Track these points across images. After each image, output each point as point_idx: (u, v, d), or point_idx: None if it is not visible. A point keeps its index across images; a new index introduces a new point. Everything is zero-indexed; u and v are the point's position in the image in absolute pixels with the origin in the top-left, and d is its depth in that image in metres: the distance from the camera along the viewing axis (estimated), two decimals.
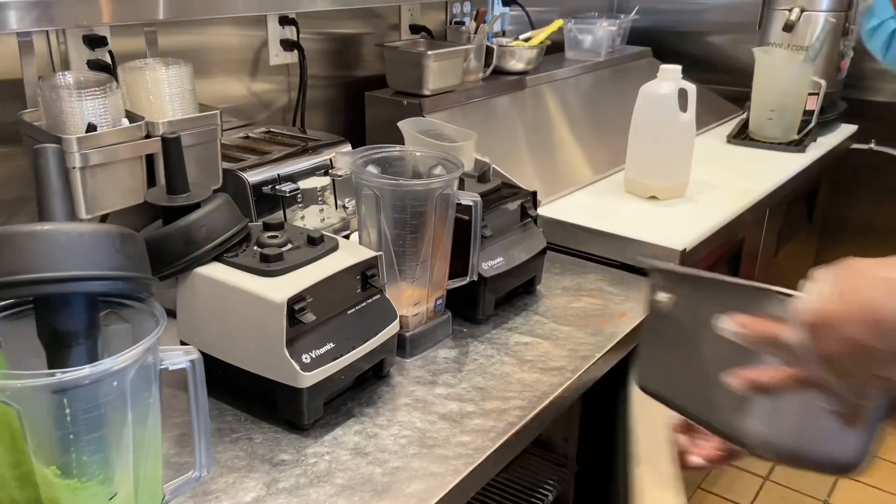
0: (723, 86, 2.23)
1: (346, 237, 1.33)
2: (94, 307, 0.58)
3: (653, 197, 1.46)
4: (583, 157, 1.66)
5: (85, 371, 0.51)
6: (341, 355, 0.86)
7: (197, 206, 0.87)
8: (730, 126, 2.01)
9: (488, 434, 0.85)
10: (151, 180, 1.03)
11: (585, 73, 2.00)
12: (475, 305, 1.09)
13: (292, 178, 1.24)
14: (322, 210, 1.30)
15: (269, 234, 0.91)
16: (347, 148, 1.35)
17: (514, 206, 1.15)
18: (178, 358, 0.61)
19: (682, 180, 1.47)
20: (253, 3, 1.28)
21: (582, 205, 1.44)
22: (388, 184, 0.93)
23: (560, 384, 0.96)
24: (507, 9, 2.02)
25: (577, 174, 1.58)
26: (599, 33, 2.07)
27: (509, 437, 0.85)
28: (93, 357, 0.58)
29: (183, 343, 0.92)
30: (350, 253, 0.91)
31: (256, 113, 1.49)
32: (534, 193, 1.18)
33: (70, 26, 1.03)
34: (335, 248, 0.91)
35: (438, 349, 1.04)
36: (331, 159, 1.31)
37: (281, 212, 1.23)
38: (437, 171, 1.05)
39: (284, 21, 1.44)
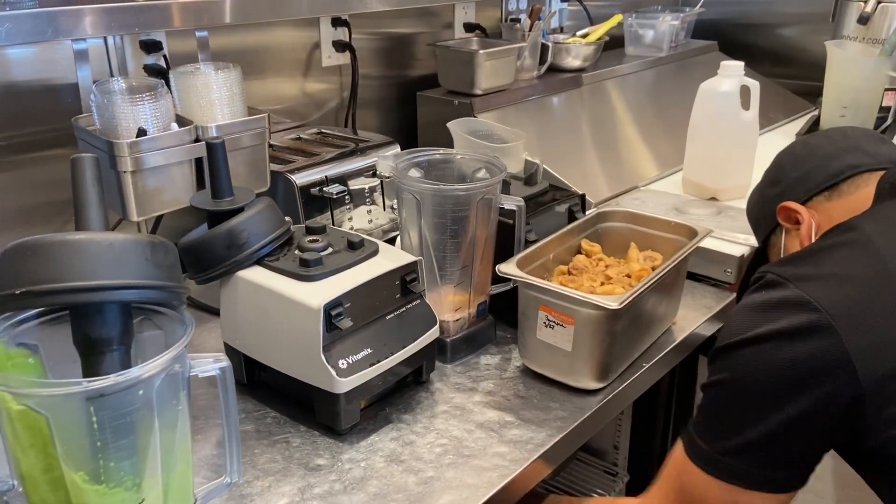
0: (793, 80, 2.13)
1: (394, 239, 1.34)
2: (127, 315, 0.59)
3: (713, 198, 1.41)
4: (642, 156, 1.61)
5: (110, 380, 0.51)
6: (378, 361, 0.85)
7: (240, 210, 0.88)
8: (800, 123, 1.92)
9: (526, 445, 0.84)
10: (201, 183, 1.05)
11: (646, 69, 1.95)
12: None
13: (341, 179, 1.25)
14: (370, 211, 1.31)
15: (311, 238, 0.91)
16: (396, 149, 1.35)
17: (561, 209, 1.12)
18: (208, 365, 0.61)
19: (744, 181, 1.41)
20: (307, 6, 1.29)
21: (640, 206, 1.40)
22: (429, 188, 0.92)
23: (606, 394, 0.93)
24: (564, 4, 1.98)
25: (635, 174, 1.53)
26: (662, 27, 2.00)
27: (548, 449, 0.83)
28: (126, 363, 0.59)
29: (227, 344, 0.93)
30: (389, 258, 0.91)
31: (309, 113, 1.50)
32: (582, 196, 1.15)
33: (127, 32, 1.06)
34: (375, 252, 0.91)
35: (480, 355, 1.02)
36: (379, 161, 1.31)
37: (329, 213, 1.24)
38: (481, 174, 1.03)
39: (337, 22, 1.45)
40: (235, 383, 0.95)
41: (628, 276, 1.00)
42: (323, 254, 0.89)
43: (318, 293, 0.82)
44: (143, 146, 0.95)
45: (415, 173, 1.00)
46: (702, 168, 1.41)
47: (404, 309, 0.91)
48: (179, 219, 1.12)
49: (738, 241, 1.20)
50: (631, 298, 0.86)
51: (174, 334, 0.61)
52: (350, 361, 0.83)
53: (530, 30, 1.65)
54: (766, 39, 2.22)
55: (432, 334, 0.92)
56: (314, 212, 1.22)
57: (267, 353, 0.89)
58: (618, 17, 1.88)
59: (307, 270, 0.85)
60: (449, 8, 1.70)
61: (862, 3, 1.73)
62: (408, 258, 0.91)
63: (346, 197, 1.25)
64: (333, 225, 1.25)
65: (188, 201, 1.04)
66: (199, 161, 1.03)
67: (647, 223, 1.09)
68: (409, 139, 1.63)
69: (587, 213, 1.13)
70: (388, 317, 0.89)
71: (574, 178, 1.41)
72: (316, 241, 0.91)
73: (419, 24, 1.66)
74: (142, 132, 0.95)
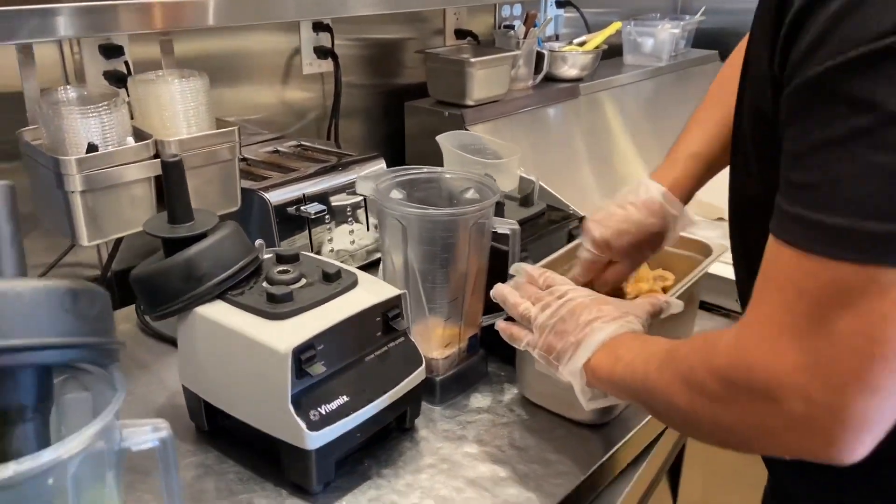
0: None
1: (379, 261, 1.24)
2: (44, 377, 0.49)
3: (720, 218, 1.32)
4: (642, 172, 1.52)
5: (9, 471, 0.41)
6: (356, 410, 0.75)
7: (200, 236, 0.78)
8: None
9: None
10: (162, 203, 0.94)
11: (645, 79, 1.86)
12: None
13: (321, 197, 1.15)
14: (352, 231, 1.20)
15: (281, 268, 0.81)
16: (381, 165, 1.25)
17: (560, 232, 1.02)
18: (146, 436, 0.51)
19: None
20: (286, 10, 1.17)
21: None
22: (416, 213, 0.82)
23: (615, 441, 0.83)
24: (560, 11, 1.89)
25: None
26: (661, 36, 1.92)
27: None
28: (42, 435, 0.49)
29: (184, 388, 0.83)
30: (370, 290, 0.80)
31: (288, 124, 1.40)
32: (582, 219, 1.05)
33: (81, 35, 0.95)
34: (353, 284, 0.81)
35: (471, 395, 0.92)
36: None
37: (306, 234, 1.14)
38: (470, 195, 0.94)
39: (318, 27, 1.35)
40: (195, 429, 0.86)
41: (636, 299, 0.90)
42: (294, 287, 0.78)
43: (287, 334, 0.72)
44: (93, 163, 0.85)
45: (397, 194, 0.90)
46: (708, 186, 1.31)
47: (386, 348, 0.81)
48: (142, 236, 1.01)
49: None
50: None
51: (104, 396, 0.51)
52: (323, 412, 0.73)
53: (525, 37, 1.56)
54: None
55: (418, 376, 0.82)
56: (290, 232, 1.12)
57: (229, 400, 0.78)
58: (616, 25, 1.79)
59: (275, 307, 0.75)
60: (439, 13, 1.60)
61: None
62: (391, 291, 0.81)
63: (327, 216, 1.15)
64: (312, 247, 1.15)
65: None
66: (159, 178, 0.93)
67: None
68: (395, 152, 1.53)
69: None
70: (367, 358, 0.79)
71: (570, 195, 1.31)
72: (286, 271, 0.80)
73: (407, 30, 1.57)
74: (92, 147, 0.85)
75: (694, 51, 2.09)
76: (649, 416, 0.87)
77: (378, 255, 1.25)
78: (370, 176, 0.88)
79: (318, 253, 1.16)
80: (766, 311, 0.51)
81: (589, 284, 0.88)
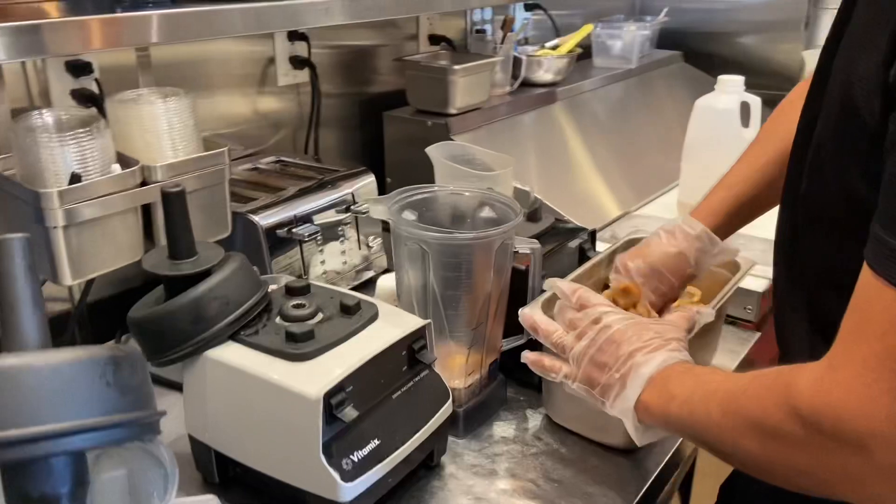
0: (761, 90, 2.06)
1: (372, 280, 1.18)
2: (80, 462, 0.42)
3: None
4: (628, 177, 1.50)
5: None
6: (389, 454, 0.70)
7: (207, 273, 0.71)
8: None
9: None
10: (149, 234, 0.87)
11: (617, 81, 1.84)
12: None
13: (311, 217, 1.08)
14: (344, 252, 1.14)
15: (295, 301, 0.75)
16: (370, 179, 1.19)
17: (571, 247, 0.99)
18: None
19: None
20: (255, 21, 1.07)
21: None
22: (440, 238, 0.77)
23: (649, 465, 0.80)
24: (529, 14, 1.86)
25: (624, 197, 1.42)
26: (628, 38, 1.91)
27: None
28: None
29: (191, 436, 0.76)
30: (393, 322, 0.75)
31: (264, 137, 1.33)
32: (592, 232, 1.02)
33: (49, 55, 0.86)
34: (375, 316, 0.75)
35: (493, 424, 0.88)
36: (353, 193, 1.15)
37: (296, 256, 1.07)
38: (485, 213, 0.89)
39: (294, 36, 1.28)
40: (202, 480, 0.79)
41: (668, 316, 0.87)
42: (313, 322, 0.72)
43: (315, 377, 0.66)
44: (77, 195, 0.77)
45: (409, 215, 0.85)
46: (700, 191, 1.29)
47: (412, 383, 0.76)
48: (120, 272, 0.93)
49: (756, 273, 1.09)
50: None
51: (144, 475, 0.44)
52: (355, 459, 0.67)
53: (503, 42, 1.52)
54: (731, 48, 2.16)
55: (446, 410, 0.77)
56: (279, 252, 1.05)
57: (246, 451, 0.72)
58: (588, 28, 1.77)
59: (296, 347, 0.69)
60: (412, 19, 1.55)
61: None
62: (415, 322, 0.76)
63: (319, 238, 1.08)
64: (305, 271, 1.08)
65: (135, 255, 0.86)
66: (146, 208, 0.85)
67: None
68: (374, 161, 1.47)
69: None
70: (394, 395, 0.74)
71: (564, 206, 1.28)
72: (301, 305, 0.74)
73: (380, 37, 1.51)
74: (75, 178, 0.77)
75: (658, 52, 2.09)
76: (681, 439, 0.84)
77: (370, 275, 1.19)
78: (381, 199, 0.83)
79: (308, 275, 1.10)
80: (861, 354, 0.47)
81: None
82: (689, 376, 0.65)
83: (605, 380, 0.69)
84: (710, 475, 1.11)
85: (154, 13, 0.79)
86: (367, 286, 1.18)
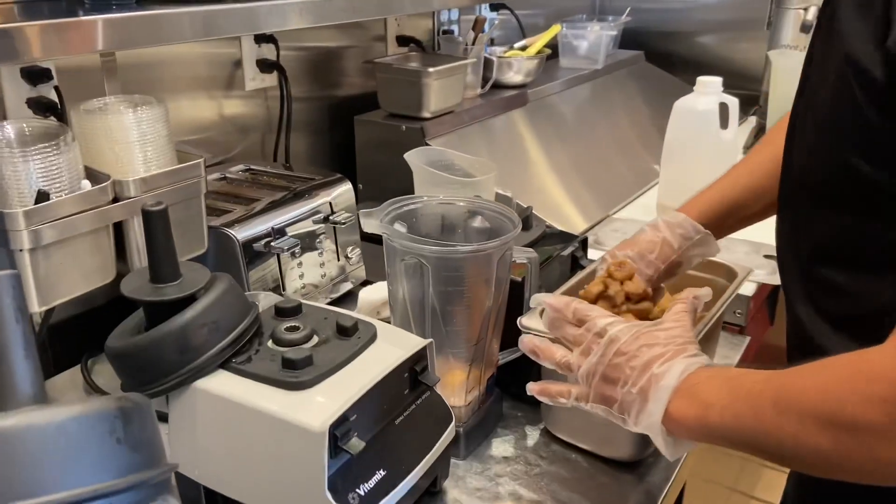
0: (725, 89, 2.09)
1: (351, 293, 1.13)
2: None
3: None
4: (605, 179, 1.49)
5: None
6: (396, 485, 0.66)
7: (192, 297, 0.66)
8: (741, 133, 1.87)
9: None
10: (122, 254, 0.81)
11: (585, 81, 1.83)
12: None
13: (284, 230, 1.03)
14: (322, 264, 1.10)
15: (287, 323, 0.70)
16: (347, 187, 1.14)
17: (564, 256, 0.96)
18: None
19: None
20: (203, 27, 0.95)
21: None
22: (441, 251, 0.74)
23: (656, 480, 0.78)
24: (494, 14, 1.84)
25: (603, 200, 1.40)
26: (594, 38, 1.90)
27: None
28: None
29: (177, 473, 0.70)
30: (394, 343, 0.71)
31: (231, 144, 1.27)
32: (584, 240, 1.00)
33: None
34: (374, 337, 0.71)
35: (492, 443, 0.85)
36: (330, 203, 1.10)
37: (274, 270, 1.02)
38: (477, 223, 0.86)
39: (262, 39, 1.22)
40: None
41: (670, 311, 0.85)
42: (309, 346, 0.68)
43: (317, 408, 0.62)
44: (44, 214, 0.71)
45: (400, 227, 0.81)
46: (680, 192, 1.28)
47: (414, 406, 0.72)
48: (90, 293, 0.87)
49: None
50: None
51: None
52: (362, 493, 0.63)
53: (474, 43, 1.49)
54: (690, 48, 2.17)
55: (449, 434, 0.73)
56: (255, 266, 1.00)
57: (240, 488, 0.67)
58: (556, 28, 1.75)
59: (294, 375, 0.64)
60: (379, 20, 1.50)
61: (802, 12, 1.69)
62: (417, 342, 0.72)
63: (297, 250, 1.03)
64: (284, 286, 1.03)
65: (106, 277, 0.80)
66: (118, 226, 0.79)
67: None
68: (344, 167, 1.42)
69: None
70: (397, 421, 0.70)
71: (545, 211, 1.25)
72: (295, 327, 0.70)
73: (347, 38, 1.46)
74: (42, 196, 0.71)
75: (621, 52, 2.09)
76: (687, 453, 0.82)
77: (348, 287, 1.15)
78: (373, 212, 0.79)
79: (285, 289, 1.05)
80: None
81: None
82: (719, 381, 0.62)
83: (621, 396, 0.65)
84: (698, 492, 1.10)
85: (99, 17, 0.70)
86: (346, 299, 1.13)
